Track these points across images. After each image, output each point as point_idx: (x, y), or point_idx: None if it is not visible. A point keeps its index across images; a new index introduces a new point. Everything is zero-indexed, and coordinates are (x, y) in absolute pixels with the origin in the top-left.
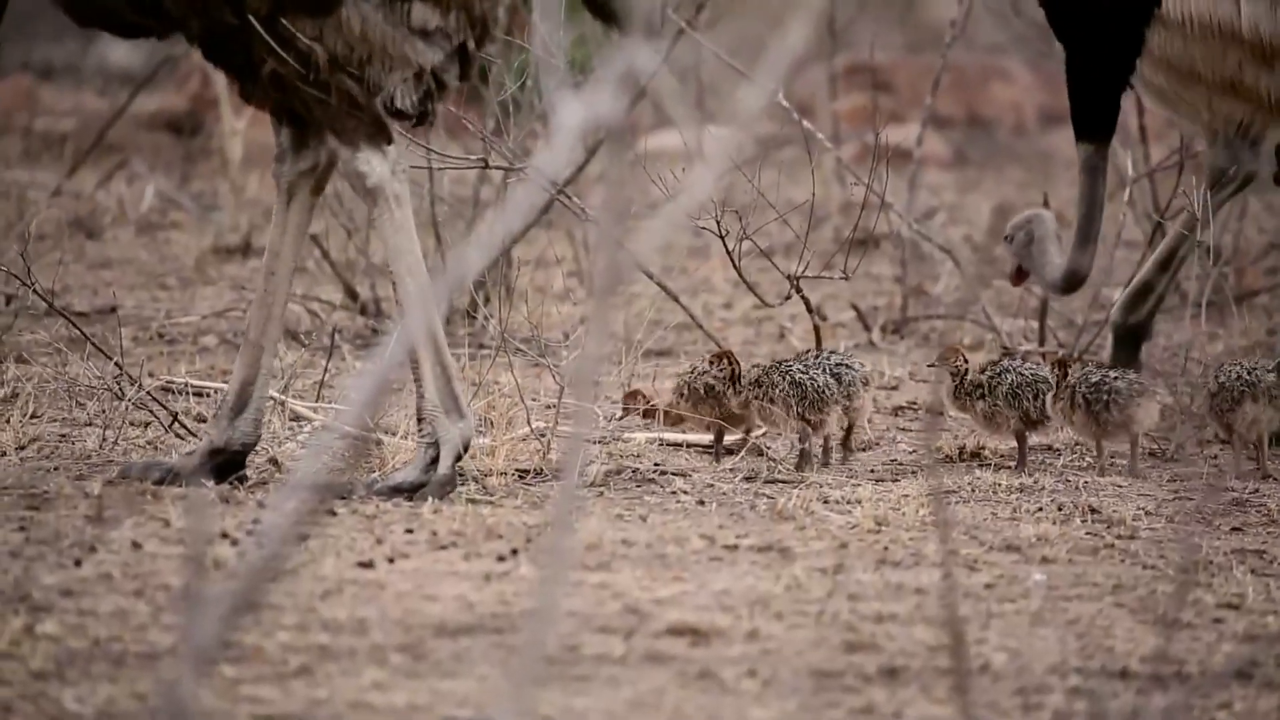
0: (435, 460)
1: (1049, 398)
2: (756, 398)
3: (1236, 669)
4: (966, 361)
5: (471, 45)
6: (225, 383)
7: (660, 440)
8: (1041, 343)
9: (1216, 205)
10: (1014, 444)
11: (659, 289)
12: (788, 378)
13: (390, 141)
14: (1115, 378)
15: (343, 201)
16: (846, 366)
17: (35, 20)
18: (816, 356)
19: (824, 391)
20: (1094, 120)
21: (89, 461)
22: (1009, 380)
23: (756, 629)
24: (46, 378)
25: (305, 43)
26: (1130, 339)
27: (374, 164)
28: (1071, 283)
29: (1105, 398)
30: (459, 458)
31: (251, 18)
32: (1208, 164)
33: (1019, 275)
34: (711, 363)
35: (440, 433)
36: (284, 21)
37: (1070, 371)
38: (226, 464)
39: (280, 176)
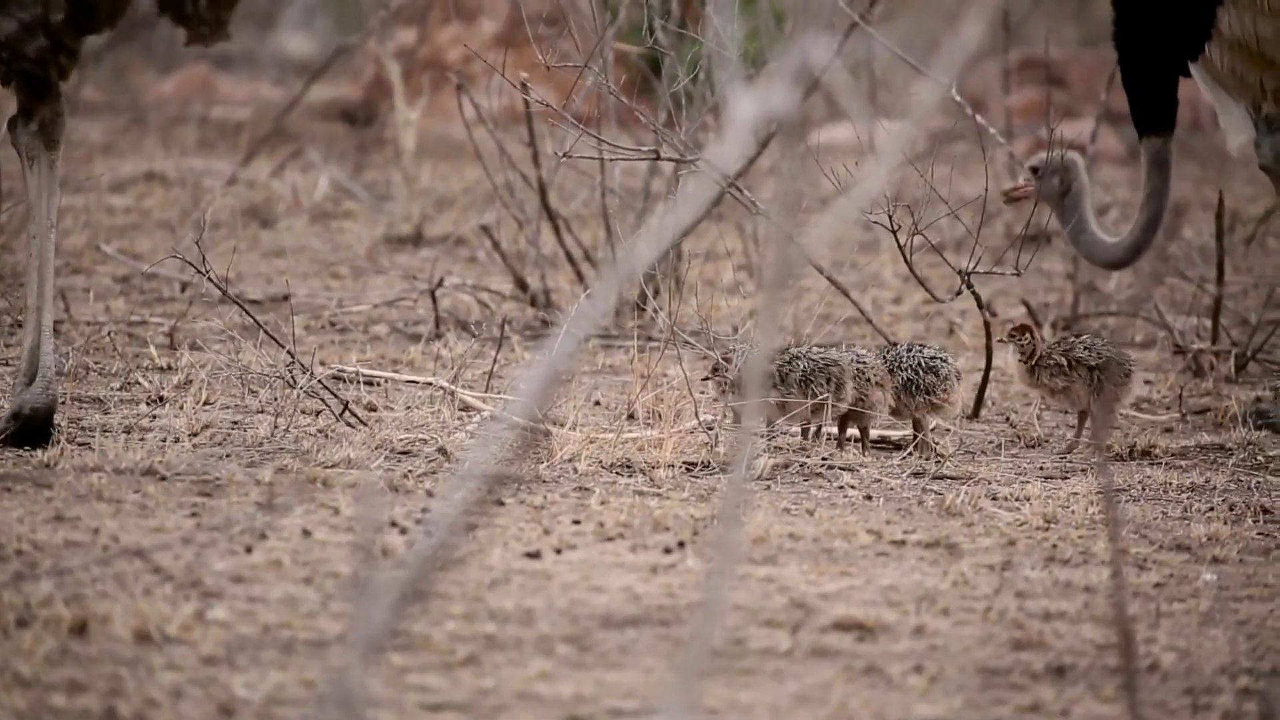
0: (12, 418)
1: None
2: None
3: None
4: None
5: (58, 17)
6: (396, 371)
7: (829, 435)
8: (1214, 340)
9: None
10: (1186, 443)
11: (829, 283)
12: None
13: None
14: None
15: (514, 192)
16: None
17: None
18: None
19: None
20: (1158, 113)
21: (261, 449)
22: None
23: (923, 625)
24: (220, 365)
25: None
26: None
27: None
28: (1125, 260)
29: None
30: (14, 419)
31: None
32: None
33: (1018, 197)
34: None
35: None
36: None
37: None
38: (25, 428)
39: (18, 143)
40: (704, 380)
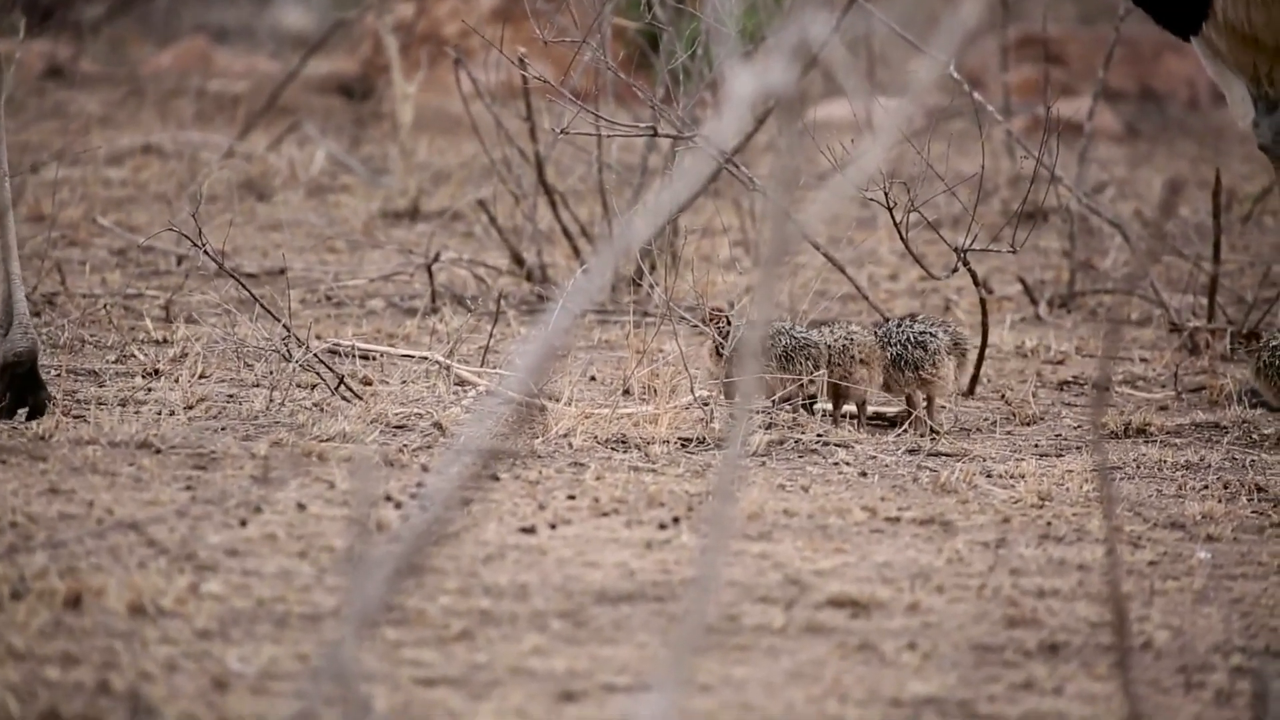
0: (1, 373)
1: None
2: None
3: None
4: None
5: None
6: (391, 346)
7: (825, 411)
8: (1210, 318)
9: None
10: (1181, 420)
11: (825, 259)
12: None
13: None
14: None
15: (511, 167)
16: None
17: None
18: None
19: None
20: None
21: (256, 422)
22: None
23: (917, 602)
24: (215, 338)
25: None
26: None
27: None
28: None
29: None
30: (2, 374)
31: None
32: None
33: None
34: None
35: None
36: None
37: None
38: (15, 377)
39: None
40: (703, 320)
